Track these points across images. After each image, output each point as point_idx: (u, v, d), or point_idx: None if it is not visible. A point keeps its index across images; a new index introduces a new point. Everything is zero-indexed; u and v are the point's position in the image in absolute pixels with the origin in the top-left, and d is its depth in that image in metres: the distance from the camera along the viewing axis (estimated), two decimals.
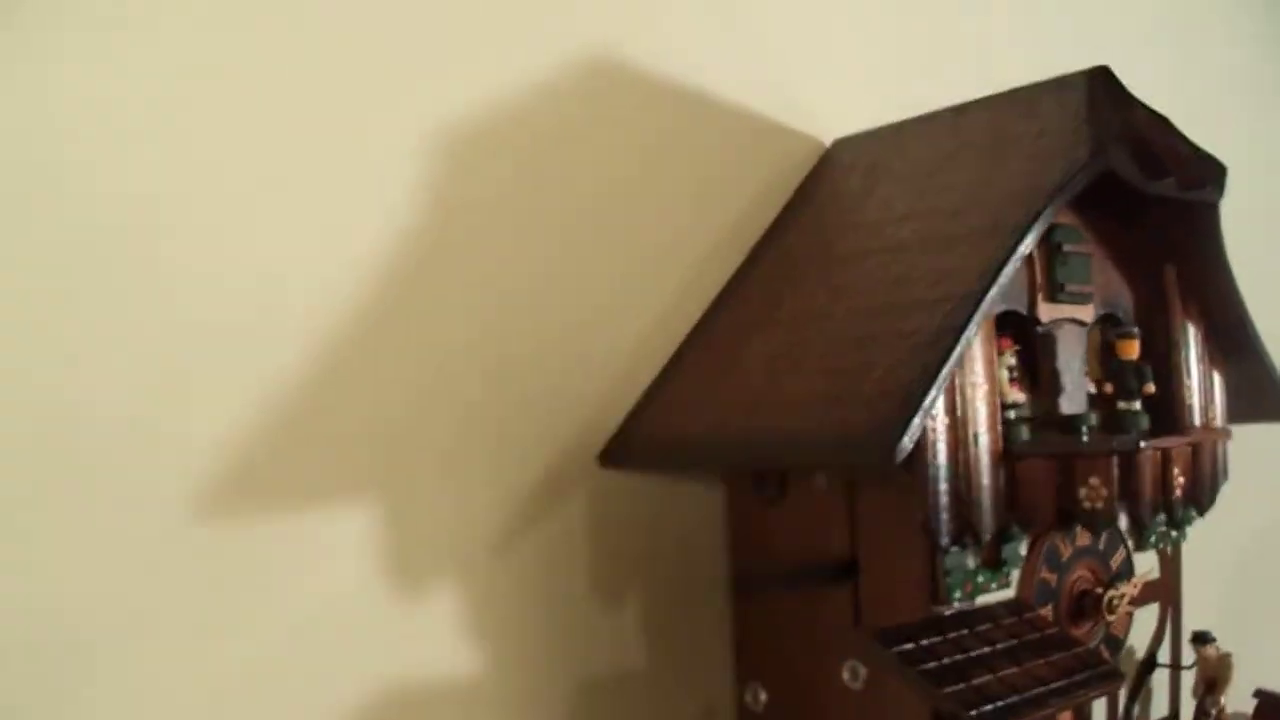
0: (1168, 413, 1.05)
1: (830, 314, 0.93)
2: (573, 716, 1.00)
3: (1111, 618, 1.02)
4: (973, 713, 0.83)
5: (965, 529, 0.89)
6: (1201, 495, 1.02)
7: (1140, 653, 1.13)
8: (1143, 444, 0.92)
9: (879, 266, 0.94)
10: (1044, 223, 0.87)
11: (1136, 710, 1.13)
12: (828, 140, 1.14)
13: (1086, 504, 0.91)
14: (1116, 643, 1.06)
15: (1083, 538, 1.02)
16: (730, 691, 1.07)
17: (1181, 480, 0.98)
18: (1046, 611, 0.99)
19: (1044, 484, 0.92)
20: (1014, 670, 0.89)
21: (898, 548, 0.92)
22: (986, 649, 0.89)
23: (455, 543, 0.94)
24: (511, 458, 0.97)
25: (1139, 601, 1.08)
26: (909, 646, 0.88)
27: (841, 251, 1.00)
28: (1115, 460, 0.91)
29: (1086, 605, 1.02)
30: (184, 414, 0.81)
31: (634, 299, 1.03)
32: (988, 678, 0.87)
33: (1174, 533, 1.11)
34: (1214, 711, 1.11)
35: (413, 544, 0.92)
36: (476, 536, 0.95)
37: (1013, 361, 0.94)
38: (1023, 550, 0.96)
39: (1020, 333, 0.97)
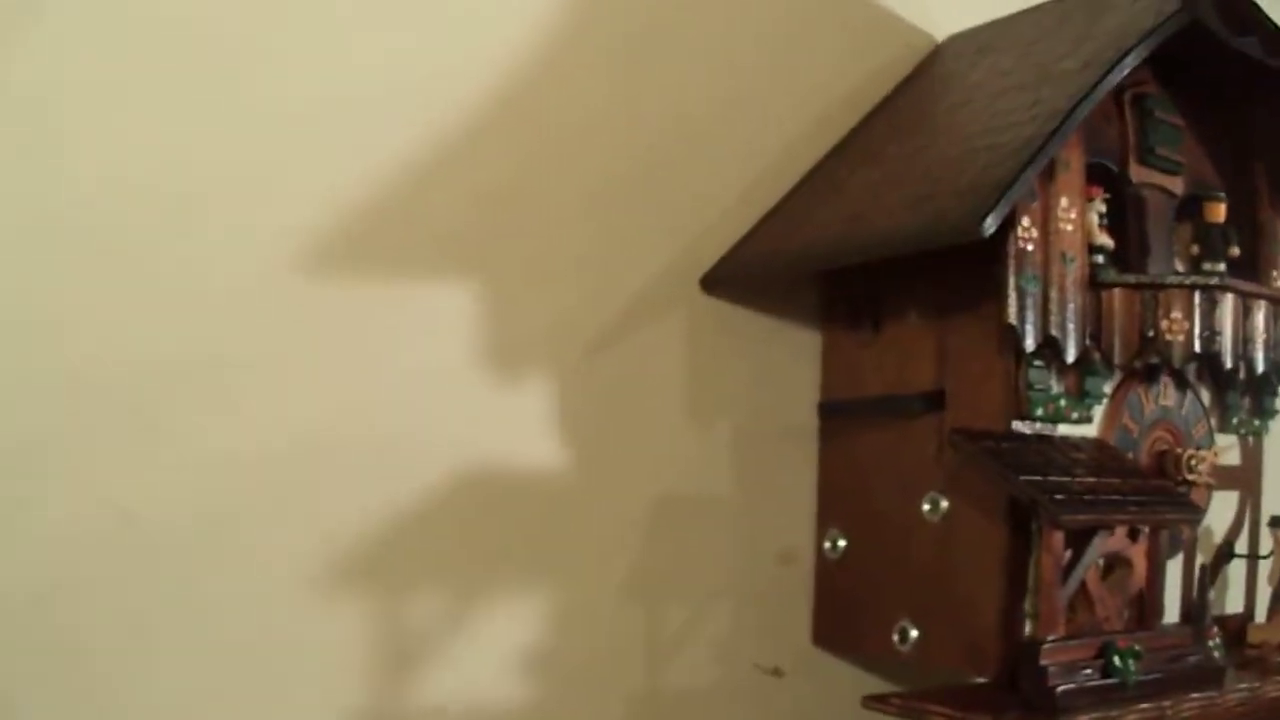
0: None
1: (933, 145, 1.00)
2: (649, 529, 1.04)
3: (1190, 477, 1.05)
4: (1048, 497, 0.88)
5: (1049, 343, 0.94)
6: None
7: (1218, 538, 1.15)
8: (1223, 281, 0.97)
9: (982, 108, 1.00)
10: (1136, 57, 0.93)
11: (1212, 597, 1.14)
12: (941, 37, 1.21)
13: (1167, 335, 0.96)
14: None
15: (1166, 396, 1.06)
16: (811, 538, 1.11)
17: (1264, 335, 1.02)
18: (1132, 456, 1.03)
19: (1128, 314, 0.96)
20: (1091, 480, 0.93)
21: (983, 374, 0.97)
22: (1066, 461, 0.94)
23: (553, 340, 1.00)
24: (616, 269, 1.03)
25: (1219, 482, 1.11)
26: (989, 443, 0.92)
27: (947, 105, 1.07)
28: (1197, 296, 0.96)
29: (1166, 465, 1.05)
30: (301, 172, 0.88)
31: (750, 148, 1.10)
32: (1065, 479, 0.91)
33: (1256, 420, 1.14)
34: None
35: (510, 333, 0.97)
36: (574, 338, 1.01)
37: (1103, 209, 0.99)
38: (1106, 389, 1.00)
39: (1112, 195, 1.02)
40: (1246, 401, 1.14)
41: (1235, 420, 1.13)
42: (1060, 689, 0.87)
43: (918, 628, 1.00)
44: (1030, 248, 0.92)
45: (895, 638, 1.01)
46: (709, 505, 1.08)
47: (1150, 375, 1.05)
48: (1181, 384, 1.08)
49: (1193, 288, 0.96)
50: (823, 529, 1.10)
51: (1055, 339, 0.93)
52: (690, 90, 1.07)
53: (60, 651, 0.79)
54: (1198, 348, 0.96)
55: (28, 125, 0.79)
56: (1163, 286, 0.96)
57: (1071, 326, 0.95)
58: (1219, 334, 0.97)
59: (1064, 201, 0.95)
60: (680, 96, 1.06)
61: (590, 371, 1.02)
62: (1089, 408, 0.99)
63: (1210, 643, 0.99)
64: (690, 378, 1.07)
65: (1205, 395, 1.12)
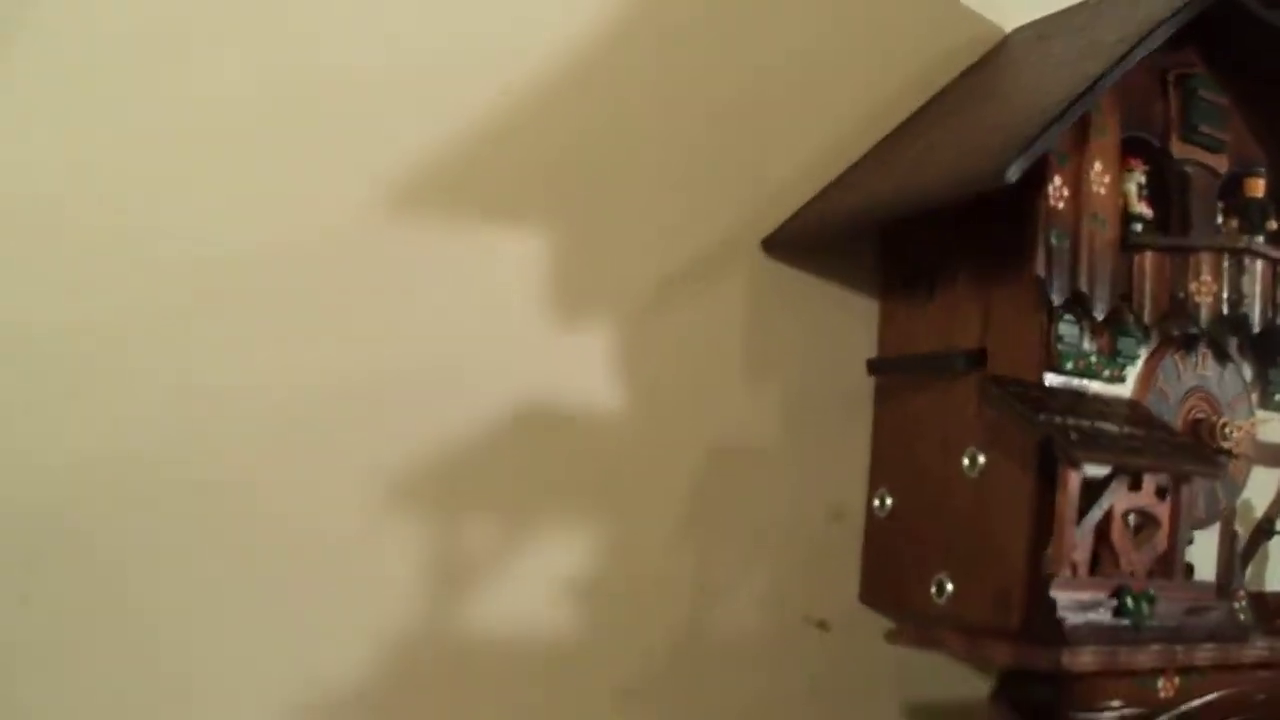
0: None
1: (983, 117, 1.06)
2: (703, 478, 1.10)
3: (1225, 445, 1.08)
4: (1065, 436, 0.92)
5: (1078, 299, 0.98)
6: None
7: (1258, 514, 1.17)
8: (1254, 244, 1.00)
9: (1030, 83, 1.06)
10: (1168, 29, 0.97)
11: (1249, 573, 1.16)
12: (1009, 29, 1.27)
13: (1196, 297, 0.99)
14: (1233, 488, 1.12)
15: (1204, 366, 1.09)
16: (862, 497, 1.16)
17: None
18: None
19: (1158, 276, 1.00)
20: (1115, 430, 0.97)
21: (1019, 331, 1.01)
22: (1092, 411, 0.98)
23: (619, 292, 1.06)
24: (683, 229, 1.09)
25: (1260, 458, 1.14)
26: (1017, 389, 0.97)
27: (1001, 84, 1.13)
28: (1225, 259, 1.00)
29: (1200, 432, 1.08)
30: (386, 127, 0.96)
31: (818, 125, 1.16)
32: (1086, 423, 0.95)
33: None
34: None
35: (578, 283, 1.04)
36: (637, 291, 1.07)
37: (1142, 180, 1.04)
38: (1141, 352, 1.04)
39: (1155, 170, 1.06)
40: None
41: (1278, 397, 1.15)
42: (1069, 623, 0.90)
43: (953, 581, 1.04)
44: (1061, 205, 0.97)
45: (933, 590, 1.06)
46: (762, 459, 1.13)
47: (1188, 344, 1.08)
48: (1221, 356, 1.11)
49: (1221, 250, 1.00)
50: (874, 488, 1.14)
51: (1084, 294, 0.98)
52: (764, 65, 1.13)
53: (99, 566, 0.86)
54: (1225, 310, 0.99)
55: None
56: (1193, 249, 1.00)
57: (1102, 282, 0.99)
58: (1247, 297, 1.00)
59: (1098, 165, 1.00)
60: (754, 71, 1.13)
61: (653, 323, 1.08)
62: (1121, 367, 1.03)
63: (1237, 604, 1.02)
64: (749, 335, 1.13)
65: (1248, 371, 1.14)
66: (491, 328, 1.01)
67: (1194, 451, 1.00)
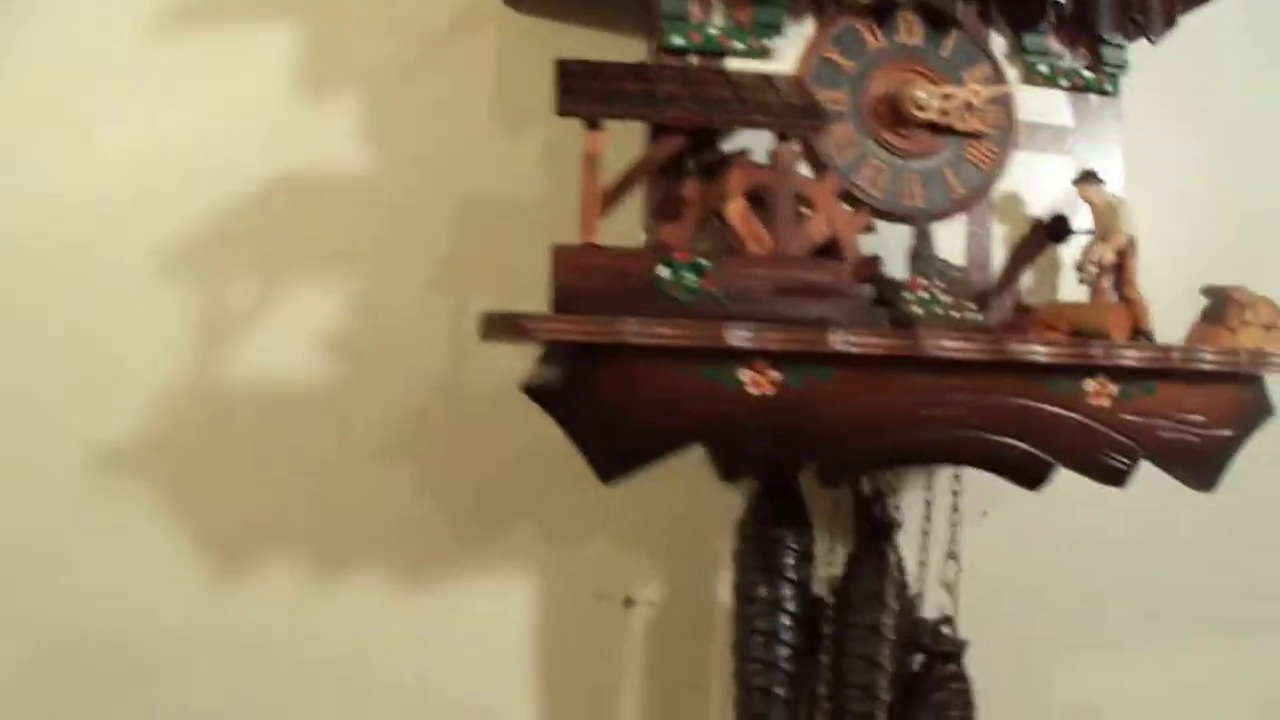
0: None
1: None
2: (458, 228, 1.10)
3: (921, 113, 0.93)
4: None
5: None
6: None
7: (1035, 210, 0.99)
8: None
9: None
10: None
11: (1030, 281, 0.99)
12: None
13: None
14: (976, 174, 0.96)
15: (909, 32, 0.95)
16: None
17: None
18: (838, 95, 0.94)
19: None
20: (715, 95, 0.87)
21: None
22: (693, 85, 0.88)
23: (363, 61, 1.09)
24: None
25: (1023, 141, 0.97)
26: (591, 67, 0.88)
27: None
28: None
29: (895, 107, 0.94)
30: None
31: None
32: (673, 91, 0.85)
33: (1088, 71, 0.99)
34: (1095, 267, 0.94)
35: (324, 60, 1.08)
36: (383, 61, 1.09)
37: None
38: (790, 21, 0.93)
39: None
40: (1072, 51, 0.99)
41: (1044, 68, 0.98)
42: (578, 289, 0.80)
43: None
44: None
45: None
46: (520, 209, 1.11)
47: (882, 11, 0.95)
48: (938, 21, 0.96)
49: None
50: None
51: None
52: None
53: None
54: None
55: None
56: None
57: None
58: None
59: None
60: None
61: (402, 89, 1.09)
62: (762, 41, 0.93)
63: (908, 294, 0.88)
64: (502, 91, 1.12)
65: (1001, 41, 0.98)
66: (250, 109, 1.07)
67: (785, 109, 0.87)
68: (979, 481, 0.96)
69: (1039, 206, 0.98)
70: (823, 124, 0.87)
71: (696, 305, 0.82)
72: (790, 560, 0.96)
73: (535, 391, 0.82)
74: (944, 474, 1.06)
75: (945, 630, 1.02)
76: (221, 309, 1.06)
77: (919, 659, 1.02)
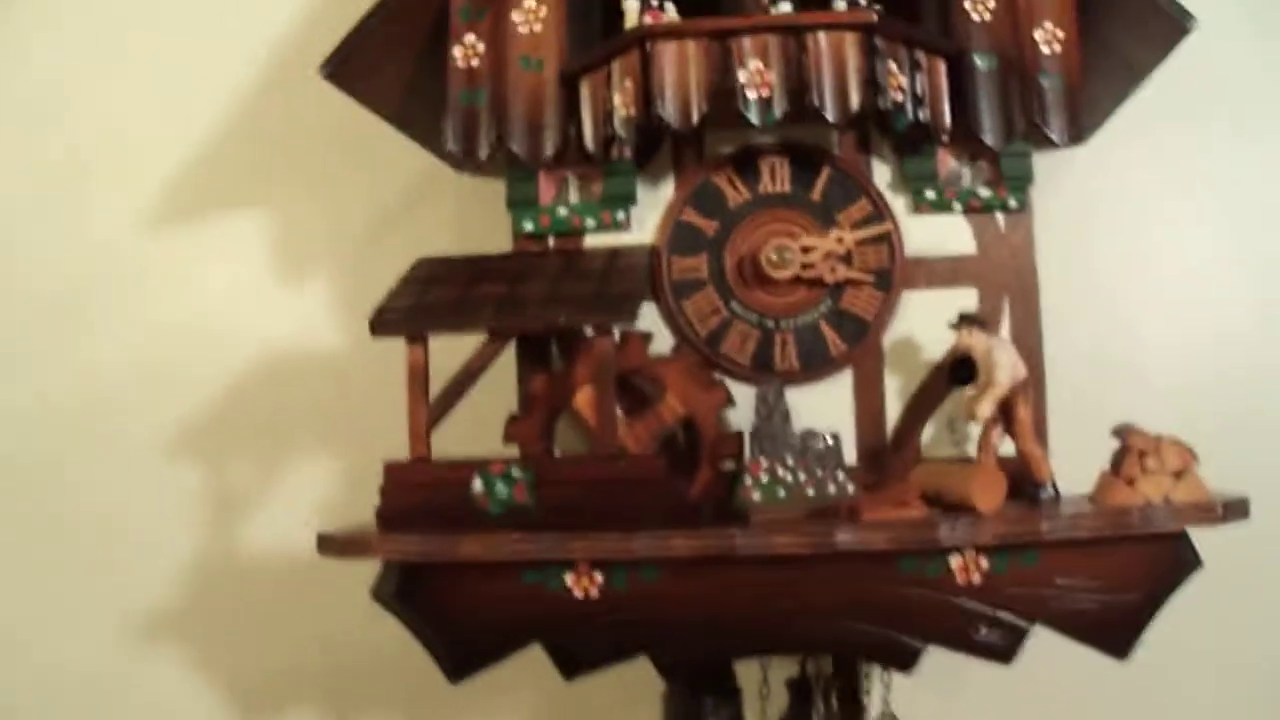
0: None
1: None
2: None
3: (777, 274, 0.88)
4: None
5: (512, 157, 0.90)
6: None
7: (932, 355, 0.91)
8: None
9: None
10: None
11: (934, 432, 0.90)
12: None
13: (747, 91, 0.82)
14: (858, 325, 0.90)
15: (776, 181, 0.90)
16: None
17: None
18: (697, 261, 0.91)
19: (679, 72, 0.83)
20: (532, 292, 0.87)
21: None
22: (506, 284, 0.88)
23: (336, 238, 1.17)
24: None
25: (936, 279, 0.90)
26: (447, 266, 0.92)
27: None
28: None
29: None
30: None
31: None
32: (493, 292, 0.87)
33: (987, 191, 0.89)
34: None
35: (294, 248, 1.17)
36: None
37: None
38: (641, 187, 0.91)
39: None
40: (974, 168, 0.90)
41: (931, 194, 0.89)
42: (392, 508, 0.84)
43: None
44: (476, 64, 0.91)
45: None
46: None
47: (742, 160, 0.91)
48: (808, 163, 0.90)
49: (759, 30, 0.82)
50: None
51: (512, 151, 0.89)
52: None
53: None
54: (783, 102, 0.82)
55: None
56: (732, 33, 0.83)
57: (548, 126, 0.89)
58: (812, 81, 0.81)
59: (529, 2, 0.91)
60: None
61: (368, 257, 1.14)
62: (615, 211, 0.91)
63: (748, 478, 0.82)
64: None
65: (885, 171, 0.91)
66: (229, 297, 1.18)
67: (594, 302, 0.84)
68: None
69: (939, 349, 0.89)
70: (626, 317, 0.84)
71: (505, 517, 0.82)
72: None
73: (380, 600, 0.85)
74: None
75: None
76: (230, 487, 1.17)
77: None
